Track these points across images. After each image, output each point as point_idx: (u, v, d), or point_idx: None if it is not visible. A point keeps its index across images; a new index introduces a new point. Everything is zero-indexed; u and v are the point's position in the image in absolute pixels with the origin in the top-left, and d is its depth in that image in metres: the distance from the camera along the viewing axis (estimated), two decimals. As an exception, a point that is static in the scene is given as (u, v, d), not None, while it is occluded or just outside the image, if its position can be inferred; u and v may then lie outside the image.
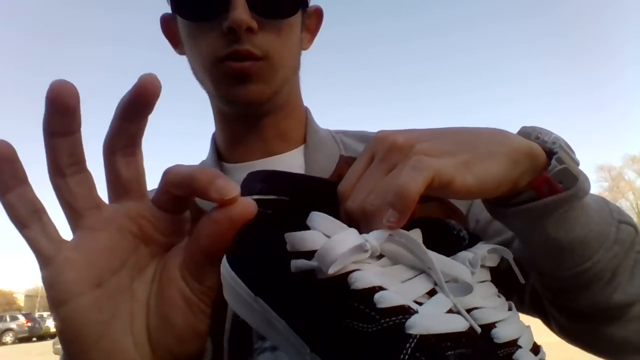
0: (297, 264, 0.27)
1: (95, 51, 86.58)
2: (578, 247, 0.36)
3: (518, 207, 0.35)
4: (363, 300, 0.25)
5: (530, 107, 65.66)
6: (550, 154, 0.35)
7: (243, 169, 0.56)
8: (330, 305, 0.26)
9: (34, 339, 20.68)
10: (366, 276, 0.26)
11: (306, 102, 0.63)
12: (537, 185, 0.34)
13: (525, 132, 0.37)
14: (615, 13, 56.43)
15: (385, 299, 0.25)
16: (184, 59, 0.58)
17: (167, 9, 0.57)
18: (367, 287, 0.26)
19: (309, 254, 0.27)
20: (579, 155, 0.37)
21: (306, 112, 0.62)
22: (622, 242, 0.38)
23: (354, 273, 0.26)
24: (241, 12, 0.47)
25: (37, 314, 26.17)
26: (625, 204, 33.80)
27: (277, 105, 0.56)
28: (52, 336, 15.88)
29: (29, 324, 20.38)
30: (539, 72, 65.10)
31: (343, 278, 0.26)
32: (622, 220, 0.40)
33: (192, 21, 0.52)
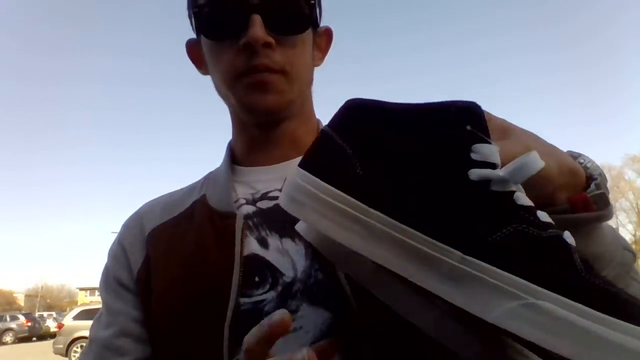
0: (480, 173, 0.32)
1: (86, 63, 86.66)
2: (592, 261, 0.40)
3: (555, 216, 0.38)
4: (529, 213, 0.31)
5: (530, 105, 65.69)
6: (589, 178, 0.40)
7: (256, 172, 0.61)
8: (499, 213, 0.30)
9: (34, 338, 20.67)
10: (524, 197, 0.32)
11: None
12: (575, 200, 0.39)
13: (571, 154, 0.42)
14: (616, 12, 56.45)
15: (543, 217, 0.31)
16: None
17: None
18: (529, 204, 0.31)
19: (491, 165, 0.32)
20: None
21: (318, 124, 0.67)
22: (623, 265, 0.43)
23: (517, 193, 0.32)
24: (257, 29, 0.52)
25: (37, 314, 26.18)
26: (625, 204, 33.85)
27: (292, 113, 0.60)
28: (52, 336, 15.85)
29: (29, 324, 20.36)
30: (539, 69, 65.16)
31: (509, 195, 0.31)
32: (625, 246, 0.45)
33: (214, 40, 0.57)
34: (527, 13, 69.01)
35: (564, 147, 0.46)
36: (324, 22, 0.64)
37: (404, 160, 0.33)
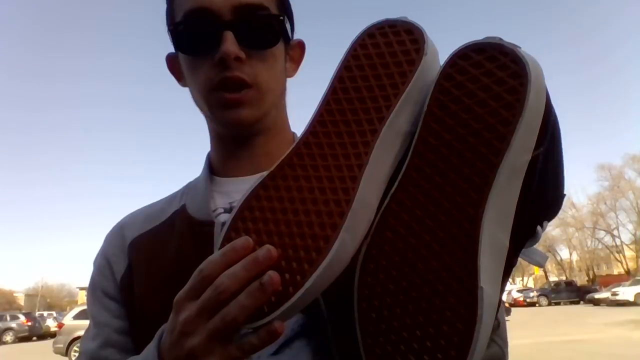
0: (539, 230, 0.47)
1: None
2: None
3: None
4: None
5: (531, 107, 65.22)
6: None
7: (233, 183, 0.64)
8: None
9: (34, 338, 20.69)
10: None
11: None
12: None
13: None
14: (615, 12, 56.37)
15: None
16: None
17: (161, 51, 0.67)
18: None
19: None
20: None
21: (293, 137, 0.70)
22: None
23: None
24: (230, 44, 0.56)
25: (37, 314, 26.19)
26: (626, 203, 33.80)
27: (265, 126, 0.64)
28: (52, 335, 15.83)
29: (29, 323, 20.40)
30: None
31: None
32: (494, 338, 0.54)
33: (190, 55, 0.61)
34: (525, 15, 68.94)
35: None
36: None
37: None
